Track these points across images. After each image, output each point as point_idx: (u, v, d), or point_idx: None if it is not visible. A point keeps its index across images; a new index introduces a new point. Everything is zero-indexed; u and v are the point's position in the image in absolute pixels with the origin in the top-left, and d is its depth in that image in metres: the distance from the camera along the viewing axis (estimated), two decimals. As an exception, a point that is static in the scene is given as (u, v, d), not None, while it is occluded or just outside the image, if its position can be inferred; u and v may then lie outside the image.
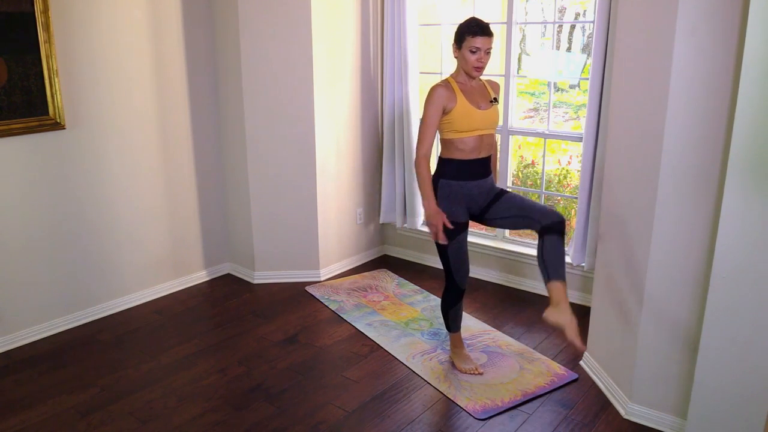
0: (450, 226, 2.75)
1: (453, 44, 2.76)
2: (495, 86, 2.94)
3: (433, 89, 2.75)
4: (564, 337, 2.49)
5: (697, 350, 2.33)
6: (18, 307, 3.32)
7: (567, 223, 4.87)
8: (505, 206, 2.77)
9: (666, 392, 2.59)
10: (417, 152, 2.78)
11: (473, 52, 2.68)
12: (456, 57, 2.77)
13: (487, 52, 2.70)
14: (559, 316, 2.47)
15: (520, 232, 4.61)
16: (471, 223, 2.92)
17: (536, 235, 2.68)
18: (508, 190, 2.90)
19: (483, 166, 2.83)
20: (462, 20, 2.75)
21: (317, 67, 3.90)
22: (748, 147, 2.05)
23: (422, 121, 2.77)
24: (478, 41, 2.66)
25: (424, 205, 2.80)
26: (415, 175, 3.88)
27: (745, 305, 2.17)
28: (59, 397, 2.87)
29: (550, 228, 2.56)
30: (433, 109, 2.73)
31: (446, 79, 2.81)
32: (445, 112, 2.74)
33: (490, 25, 2.70)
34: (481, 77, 2.84)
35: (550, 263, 2.55)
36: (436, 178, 2.83)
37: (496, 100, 2.85)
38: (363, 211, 4.52)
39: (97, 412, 2.75)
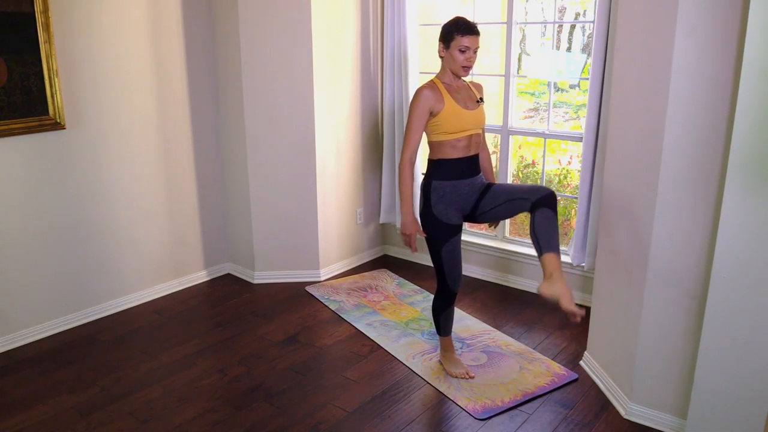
0: (423, 234, 2.82)
1: (440, 44, 2.76)
2: (478, 87, 2.94)
3: (419, 91, 2.73)
4: (560, 307, 2.43)
5: (697, 350, 2.33)
6: (18, 307, 3.32)
7: (567, 223, 4.91)
8: (494, 195, 2.78)
9: (666, 392, 2.59)
10: (402, 155, 2.77)
11: (462, 52, 2.68)
12: (442, 57, 2.77)
13: (475, 52, 2.72)
14: (552, 287, 2.44)
15: (520, 231, 4.65)
16: (472, 224, 2.92)
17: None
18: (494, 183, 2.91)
19: (473, 164, 2.84)
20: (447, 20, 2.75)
21: (317, 67, 3.90)
22: (748, 147, 2.05)
23: (408, 124, 2.75)
24: (467, 40, 2.67)
25: (402, 211, 2.81)
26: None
27: (745, 305, 2.17)
28: (59, 397, 2.87)
29: (539, 202, 2.57)
30: (419, 112, 2.71)
31: (431, 81, 2.79)
32: (432, 114, 2.73)
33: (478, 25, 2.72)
34: (464, 79, 2.85)
35: (542, 235, 2.53)
36: (428, 180, 2.81)
37: (481, 100, 2.86)
38: (363, 211, 4.51)
39: (97, 412, 2.75)
